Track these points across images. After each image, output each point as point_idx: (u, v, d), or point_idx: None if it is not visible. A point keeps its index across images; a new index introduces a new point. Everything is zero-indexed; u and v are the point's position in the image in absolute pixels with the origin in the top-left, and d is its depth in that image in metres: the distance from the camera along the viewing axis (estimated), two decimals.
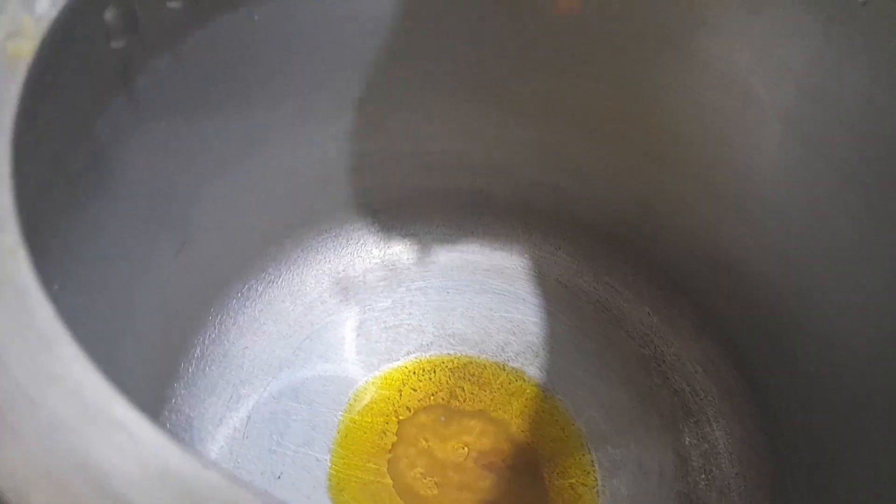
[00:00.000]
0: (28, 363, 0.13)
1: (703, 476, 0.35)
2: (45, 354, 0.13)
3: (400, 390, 0.37)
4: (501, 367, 0.38)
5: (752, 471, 0.34)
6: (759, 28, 0.28)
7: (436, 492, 0.35)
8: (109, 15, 0.23)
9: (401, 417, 0.37)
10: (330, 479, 0.34)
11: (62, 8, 0.18)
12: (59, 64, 0.19)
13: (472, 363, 0.38)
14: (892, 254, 0.26)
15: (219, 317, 0.37)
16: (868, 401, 0.28)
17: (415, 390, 0.37)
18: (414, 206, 0.40)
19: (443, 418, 0.37)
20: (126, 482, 0.11)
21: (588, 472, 0.35)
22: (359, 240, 0.40)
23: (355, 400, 0.37)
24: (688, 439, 0.36)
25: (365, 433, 0.36)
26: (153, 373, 0.33)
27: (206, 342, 0.36)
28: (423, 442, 0.36)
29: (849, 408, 0.29)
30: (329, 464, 0.35)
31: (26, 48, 0.16)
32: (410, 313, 0.40)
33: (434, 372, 0.38)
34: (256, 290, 0.38)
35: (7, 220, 0.15)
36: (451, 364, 0.38)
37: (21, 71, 0.17)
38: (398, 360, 0.38)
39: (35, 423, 0.12)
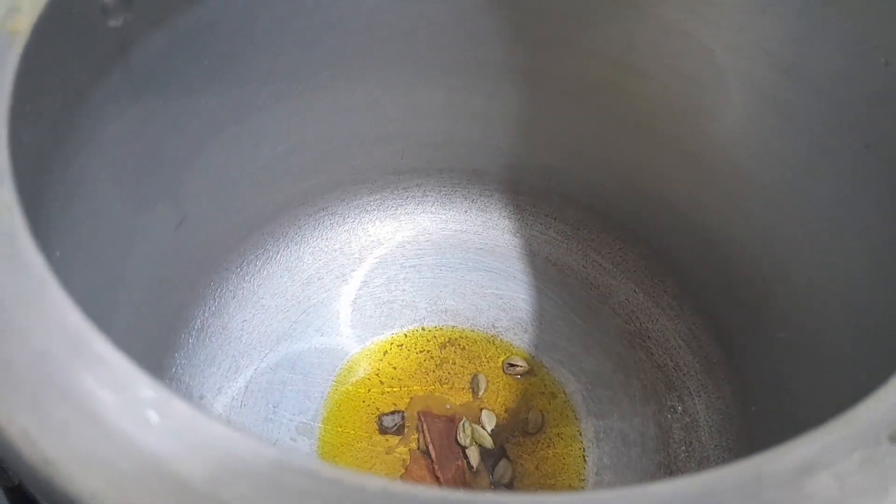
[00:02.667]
0: (20, 303, 0.14)
1: (684, 448, 0.36)
2: (36, 297, 0.14)
3: (392, 362, 0.39)
4: (491, 340, 0.39)
5: (730, 442, 0.35)
6: (736, 3, 0.29)
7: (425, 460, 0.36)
8: None
9: (392, 388, 0.38)
10: (323, 447, 0.36)
11: None
12: (56, 38, 0.20)
13: (462, 337, 0.39)
14: (861, 224, 0.27)
15: (218, 290, 0.38)
16: (838, 368, 0.28)
17: (406, 362, 0.39)
18: (408, 185, 0.42)
19: (433, 389, 0.38)
20: (103, 406, 0.12)
21: (573, 443, 0.36)
22: (355, 218, 0.42)
23: (349, 371, 0.38)
24: (670, 412, 0.37)
25: (357, 403, 0.37)
26: (152, 342, 0.34)
27: (206, 315, 0.37)
28: (414, 412, 0.37)
29: (819, 376, 0.29)
30: (322, 432, 0.36)
31: (24, 23, 0.18)
32: (404, 289, 0.41)
33: (426, 345, 0.39)
34: (255, 265, 0.39)
35: (3, 177, 0.16)
36: (442, 338, 0.39)
37: (19, 44, 0.18)
38: (391, 333, 0.39)
39: (24, 354, 0.13)
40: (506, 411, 0.37)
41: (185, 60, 0.29)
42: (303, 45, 0.33)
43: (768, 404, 0.33)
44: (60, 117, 0.23)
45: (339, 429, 0.36)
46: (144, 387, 0.12)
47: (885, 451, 0.13)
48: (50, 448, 0.12)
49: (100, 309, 0.29)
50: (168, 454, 0.12)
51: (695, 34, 0.30)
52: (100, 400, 0.12)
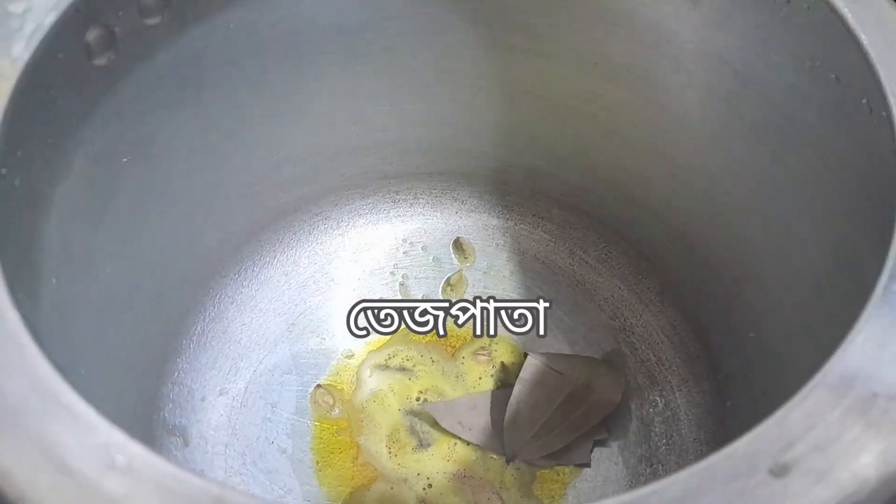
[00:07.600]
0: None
1: (664, 441, 0.37)
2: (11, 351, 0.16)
3: (385, 363, 0.40)
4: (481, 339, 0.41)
5: (707, 435, 0.36)
6: (697, 18, 0.30)
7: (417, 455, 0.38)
8: (91, 37, 0.26)
9: (388, 388, 0.39)
10: (318, 444, 0.38)
11: (36, 47, 0.21)
12: (44, 87, 0.22)
13: (454, 335, 0.41)
14: (814, 230, 0.28)
15: (217, 297, 0.40)
16: (800, 370, 0.30)
17: (403, 361, 0.40)
18: (398, 190, 0.43)
19: (426, 389, 0.40)
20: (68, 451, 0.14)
21: None
22: (348, 222, 0.43)
23: (344, 371, 0.40)
24: (651, 406, 0.38)
25: (351, 401, 0.39)
26: (153, 348, 0.36)
27: (207, 320, 0.39)
28: (410, 409, 0.39)
29: (784, 374, 0.31)
30: (318, 430, 0.38)
31: (4, 88, 0.19)
32: (396, 291, 0.42)
33: (419, 344, 0.41)
34: (252, 270, 0.41)
35: None
36: (435, 336, 0.41)
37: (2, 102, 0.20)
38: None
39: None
40: None
41: (171, 89, 0.31)
42: (286, 66, 0.34)
43: (742, 400, 0.35)
44: (53, 156, 0.25)
45: (335, 427, 0.38)
46: (105, 433, 0.14)
47: (759, 482, 0.14)
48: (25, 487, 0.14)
49: (98, 320, 0.31)
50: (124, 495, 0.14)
51: (661, 46, 0.31)
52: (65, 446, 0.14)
